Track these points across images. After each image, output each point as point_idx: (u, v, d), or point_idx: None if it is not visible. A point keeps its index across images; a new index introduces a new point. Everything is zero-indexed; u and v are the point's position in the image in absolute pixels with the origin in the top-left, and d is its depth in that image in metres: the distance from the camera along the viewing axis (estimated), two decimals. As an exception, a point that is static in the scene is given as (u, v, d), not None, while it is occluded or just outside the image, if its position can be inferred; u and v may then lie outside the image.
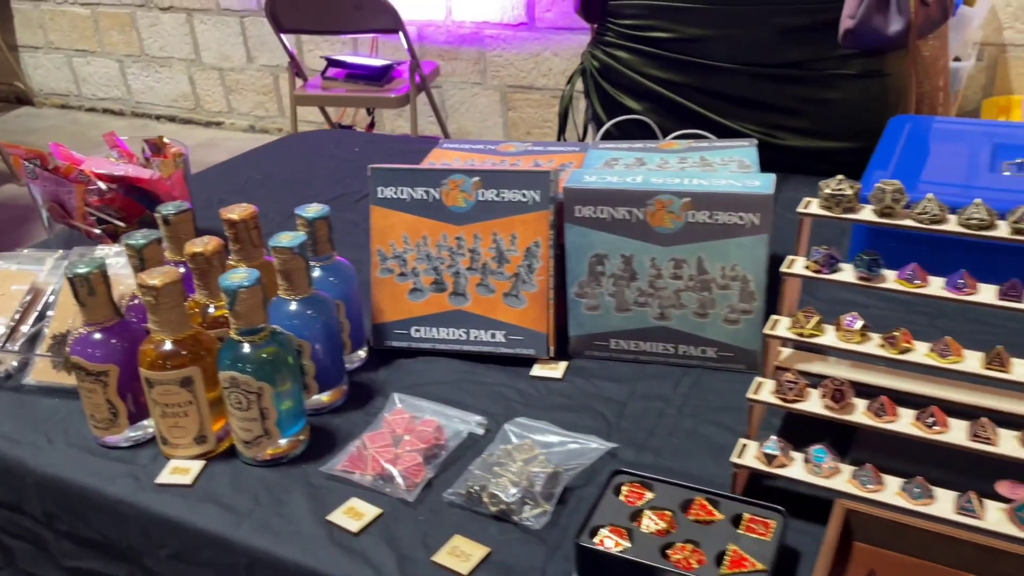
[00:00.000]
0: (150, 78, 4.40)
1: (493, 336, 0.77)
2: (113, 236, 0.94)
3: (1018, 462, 0.54)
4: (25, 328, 0.81)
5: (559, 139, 1.31)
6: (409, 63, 3.02)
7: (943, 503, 0.54)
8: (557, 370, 0.76)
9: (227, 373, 0.64)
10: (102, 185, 0.90)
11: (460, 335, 0.78)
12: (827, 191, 0.61)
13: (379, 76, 3.11)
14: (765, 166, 0.82)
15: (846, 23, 0.99)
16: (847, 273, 0.61)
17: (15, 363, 0.80)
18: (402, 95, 3.04)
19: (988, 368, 0.56)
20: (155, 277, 0.63)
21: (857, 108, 1.06)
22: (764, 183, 0.69)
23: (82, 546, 0.70)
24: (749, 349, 0.73)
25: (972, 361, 0.56)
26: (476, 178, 0.75)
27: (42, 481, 0.69)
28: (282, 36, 3.07)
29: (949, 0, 1.09)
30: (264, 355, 0.64)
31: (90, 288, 0.66)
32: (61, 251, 0.88)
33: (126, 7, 4.19)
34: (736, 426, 0.67)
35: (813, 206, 0.62)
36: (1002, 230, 0.57)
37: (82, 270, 0.65)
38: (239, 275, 0.63)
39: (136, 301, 0.73)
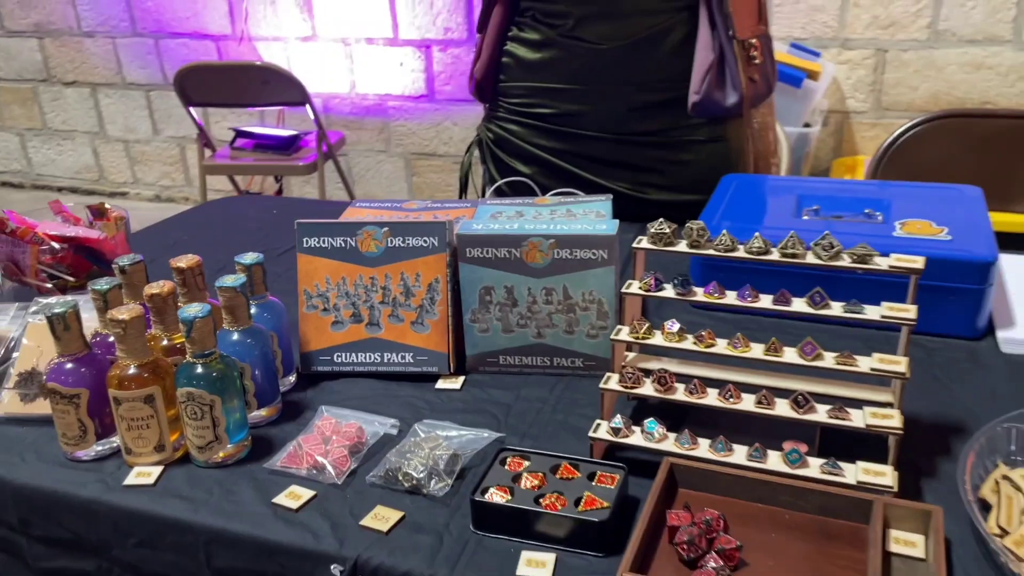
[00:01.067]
0: (52, 151, 4.42)
1: (403, 358, 0.94)
2: (62, 289, 1.06)
3: (791, 421, 0.74)
4: (-9, 369, 0.93)
5: (461, 198, 1.50)
6: (316, 133, 3.19)
7: (739, 455, 0.73)
8: (457, 383, 0.93)
9: (184, 389, 0.79)
10: (55, 245, 1.03)
11: (376, 358, 0.94)
12: (652, 230, 0.81)
13: (287, 145, 3.26)
14: (633, 216, 1.02)
15: (693, 97, 1.23)
16: (668, 291, 0.80)
17: (-16, 398, 0.91)
18: (310, 163, 3.20)
19: (767, 354, 0.76)
20: (123, 313, 0.78)
21: (705, 167, 1.29)
22: (610, 227, 0.89)
23: (53, 547, 0.82)
24: (606, 358, 0.91)
25: (756, 350, 0.76)
26: (385, 228, 0.93)
27: (18, 492, 0.81)
28: (190, 109, 3.19)
29: (772, 77, 1.34)
30: (215, 373, 0.79)
31: (65, 324, 0.80)
32: (18, 303, 1.00)
33: (27, 82, 4.23)
34: (597, 417, 0.85)
35: (644, 242, 0.82)
36: (774, 255, 0.78)
37: (59, 310, 0.79)
38: (194, 308, 0.78)
39: (98, 338, 0.87)
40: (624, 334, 0.80)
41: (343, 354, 0.95)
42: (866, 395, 0.78)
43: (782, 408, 0.75)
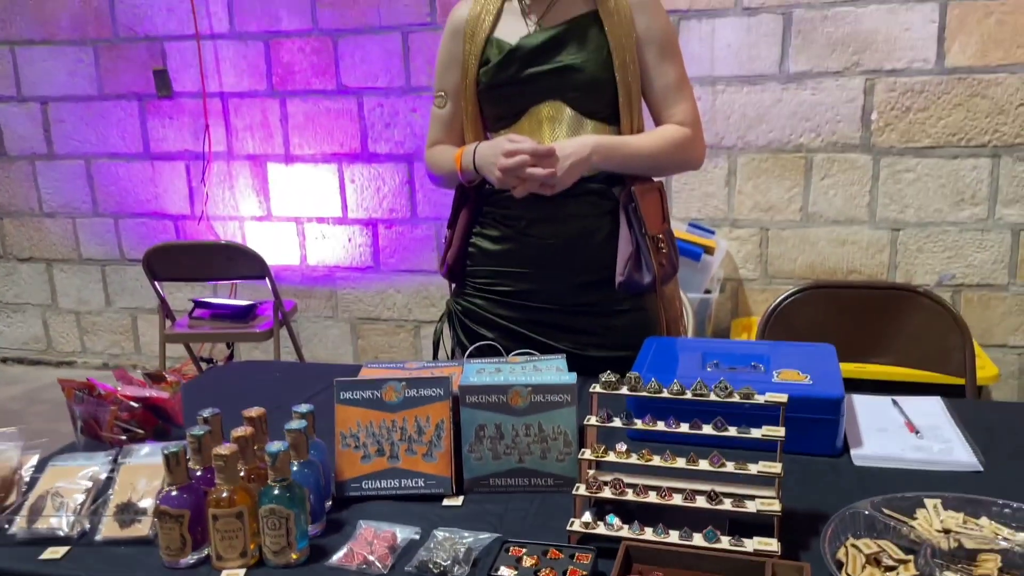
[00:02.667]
0: (0, 323, 4.56)
1: (416, 482, 1.23)
2: (132, 441, 1.32)
3: (708, 511, 1.06)
4: (89, 503, 1.18)
5: (434, 359, 1.82)
6: (272, 303, 3.49)
7: (673, 536, 1.05)
8: (459, 501, 1.22)
9: (267, 506, 1.06)
10: (133, 404, 1.30)
11: (395, 483, 1.23)
12: (602, 379, 1.15)
13: (244, 314, 3.55)
14: (579, 369, 1.35)
15: (619, 278, 1.61)
16: (617, 423, 1.14)
17: (88, 526, 1.15)
18: (266, 330, 3.48)
19: (688, 465, 1.09)
20: (224, 449, 1.06)
21: (629, 331, 1.65)
22: (571, 378, 1.23)
23: (155, 639, 1.05)
24: (572, 476, 1.22)
25: (680, 462, 1.09)
26: (404, 382, 1.25)
27: (130, 595, 1.05)
28: (156, 284, 3.46)
29: (676, 260, 1.74)
30: (289, 494, 1.07)
31: (177, 460, 1.07)
32: (104, 451, 1.26)
33: (-19, 258, 4.42)
34: (571, 517, 1.15)
35: (598, 387, 1.16)
36: (688, 395, 1.13)
37: (173, 449, 1.07)
38: (277, 445, 1.07)
39: (197, 472, 1.14)
40: (588, 455, 1.12)
41: (370, 481, 1.23)
42: (757, 492, 1.11)
43: (701, 502, 1.07)
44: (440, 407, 1.24)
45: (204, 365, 3.82)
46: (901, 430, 1.38)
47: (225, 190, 3.95)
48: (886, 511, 1.08)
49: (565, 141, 1.59)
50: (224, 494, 1.06)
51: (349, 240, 3.88)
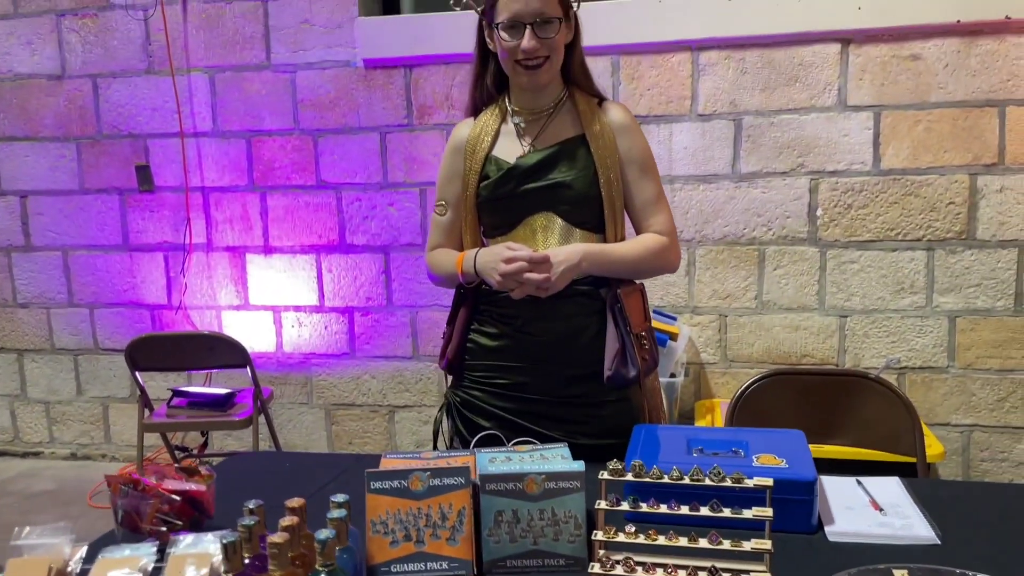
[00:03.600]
0: (-35, 414, 4.51)
1: (441, 565, 1.35)
2: (171, 533, 1.42)
3: (708, 583, 1.21)
4: (140, 591, 1.27)
5: (434, 448, 1.95)
6: (251, 390, 3.57)
7: (680, 606, 1.19)
8: (479, 581, 1.35)
9: (316, 589, 1.18)
10: (175, 497, 1.41)
11: (421, 566, 1.35)
12: (610, 467, 1.30)
13: (223, 403, 3.62)
14: (574, 457, 1.50)
15: (607, 372, 1.77)
16: (624, 506, 1.28)
17: (141, 612, 1.25)
18: (245, 418, 3.55)
19: (689, 543, 1.23)
20: (277, 538, 1.18)
21: (616, 420, 1.81)
22: (579, 465, 1.38)
23: None
24: (582, 557, 1.36)
25: (683, 540, 1.24)
26: (428, 472, 1.38)
27: (189, 676, 1.15)
28: (136, 374, 3.52)
29: (657, 355, 1.92)
30: (335, 577, 1.19)
31: (234, 548, 1.18)
32: (149, 541, 1.36)
33: (-51, 348, 4.41)
34: (582, 595, 1.29)
35: (606, 474, 1.31)
36: (686, 480, 1.28)
37: (231, 539, 1.18)
38: (325, 532, 1.19)
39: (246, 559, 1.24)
40: (600, 535, 1.27)
41: (399, 564, 1.35)
42: (750, 567, 1.26)
43: (702, 576, 1.22)
44: (462, 494, 1.38)
45: (179, 454, 3.86)
46: (867, 508, 1.55)
47: (203, 280, 4.05)
48: (860, 581, 1.24)
49: (557, 248, 1.77)
50: (277, 578, 1.18)
51: (325, 328, 4.00)
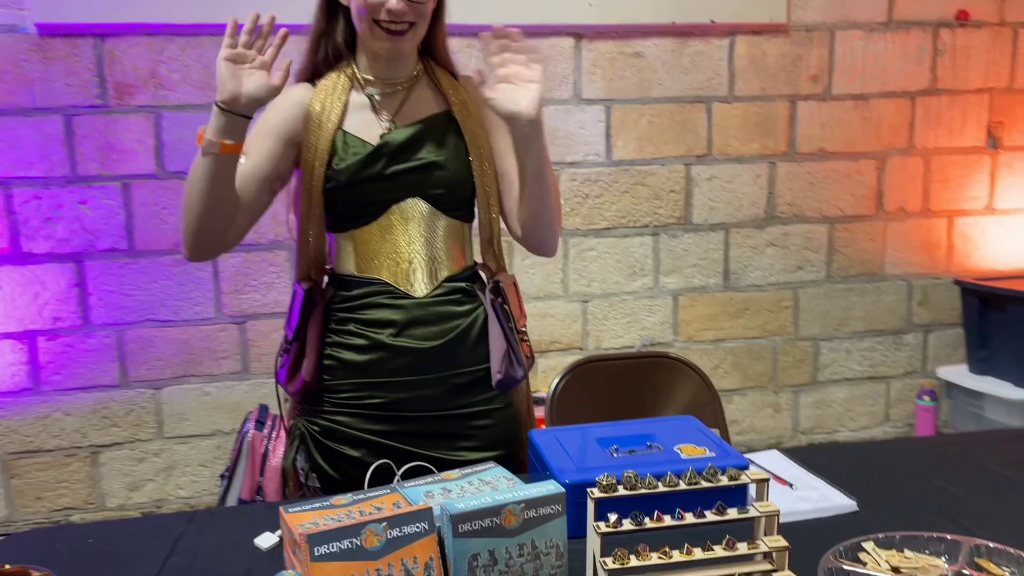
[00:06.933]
0: None
1: (412, 635, 1.08)
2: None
3: (734, 593, 1.11)
4: None
5: (284, 497, 1.59)
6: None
7: (719, 624, 1.07)
8: (460, 644, 1.10)
9: None
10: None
11: (390, 642, 1.07)
12: (602, 483, 1.14)
13: None
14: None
15: (496, 376, 1.57)
16: (628, 524, 1.13)
17: None
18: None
19: (682, 556, 1.12)
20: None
21: (501, 429, 1.62)
22: (556, 487, 1.19)
23: None
24: (565, 589, 1.18)
25: (676, 555, 1.12)
26: (384, 523, 1.09)
27: None
28: None
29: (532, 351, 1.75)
30: None
31: None
32: None
33: None
34: (588, 634, 1.11)
35: (597, 492, 1.14)
36: (660, 488, 1.16)
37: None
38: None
39: None
40: (611, 564, 1.10)
41: (363, 647, 1.05)
42: (754, 568, 1.18)
43: (721, 591, 1.11)
44: (426, 543, 1.12)
45: None
46: (775, 486, 1.56)
47: None
48: (846, 565, 1.22)
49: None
50: None
51: (-2, 361, 3.19)
